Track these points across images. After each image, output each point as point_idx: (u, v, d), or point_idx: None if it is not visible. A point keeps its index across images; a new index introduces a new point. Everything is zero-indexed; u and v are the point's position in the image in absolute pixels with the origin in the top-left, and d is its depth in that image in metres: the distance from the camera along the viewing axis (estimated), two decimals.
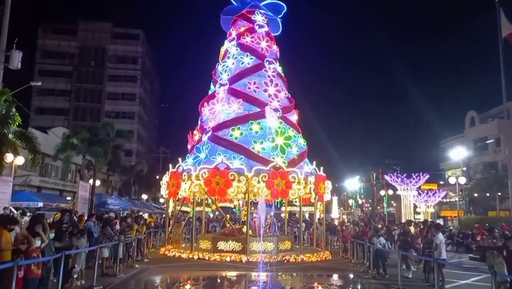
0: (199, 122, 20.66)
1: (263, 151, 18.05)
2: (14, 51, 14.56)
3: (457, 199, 38.18)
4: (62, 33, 63.88)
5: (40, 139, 19.94)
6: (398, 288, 11.01)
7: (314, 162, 19.52)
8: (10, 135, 16.81)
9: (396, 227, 19.06)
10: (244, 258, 16.13)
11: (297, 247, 18.89)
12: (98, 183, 30.09)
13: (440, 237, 12.02)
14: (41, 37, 63.13)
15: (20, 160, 18.33)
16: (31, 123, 41.14)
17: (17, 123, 16.79)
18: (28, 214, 18.29)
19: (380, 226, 18.38)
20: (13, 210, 18.03)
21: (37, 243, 7.50)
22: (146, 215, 28.36)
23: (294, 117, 20.57)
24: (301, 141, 19.88)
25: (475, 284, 12.51)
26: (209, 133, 19.05)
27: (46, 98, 60.93)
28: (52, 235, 8.65)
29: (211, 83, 21.54)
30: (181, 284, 11.35)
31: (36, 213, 17.99)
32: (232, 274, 13.99)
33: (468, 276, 13.49)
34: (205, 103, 20.32)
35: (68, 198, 33.44)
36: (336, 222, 31.42)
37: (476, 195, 41.82)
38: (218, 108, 19.50)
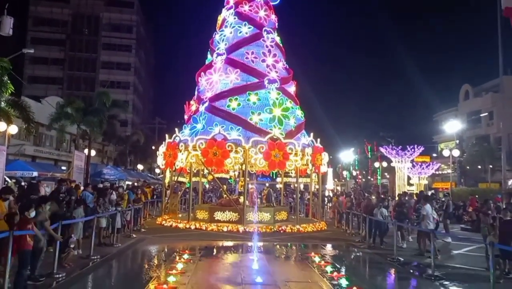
0: (196, 92, 20.39)
1: (261, 122, 17.94)
2: (5, 17, 14.14)
3: (449, 171, 38.60)
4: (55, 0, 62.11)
5: (34, 108, 19.69)
6: (393, 257, 11.20)
7: (312, 134, 19.49)
8: (3, 104, 16.56)
9: (390, 198, 19.31)
10: (241, 228, 16.29)
11: (293, 217, 19.10)
12: (93, 152, 29.95)
13: (428, 208, 12.15)
14: (33, 4, 61.36)
15: (13, 129, 18.12)
16: (24, 92, 40.49)
17: (9, 92, 16.51)
18: (22, 183, 18.26)
19: (373, 197, 18.58)
20: (7, 179, 18.00)
21: (32, 214, 7.44)
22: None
23: (292, 88, 20.35)
24: (299, 112, 19.75)
25: (467, 254, 12.77)
26: (206, 104, 18.84)
27: (39, 67, 59.83)
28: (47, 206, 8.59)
29: (208, 52, 21.12)
30: (178, 253, 11.45)
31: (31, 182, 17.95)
32: (229, 243, 14.16)
33: (460, 246, 13.78)
34: (202, 73, 20.00)
35: (63, 168, 33.34)
36: (328, 193, 31.71)
37: (468, 167, 42.36)
38: (215, 78, 19.22)
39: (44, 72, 60.16)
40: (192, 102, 20.21)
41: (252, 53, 19.23)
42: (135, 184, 28.18)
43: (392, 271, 10.52)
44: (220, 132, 17.16)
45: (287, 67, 20.64)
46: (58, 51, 61.83)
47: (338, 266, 10.32)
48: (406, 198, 16.36)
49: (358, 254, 13.13)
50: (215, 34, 20.99)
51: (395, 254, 11.32)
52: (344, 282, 8.37)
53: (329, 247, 14.08)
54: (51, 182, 21.62)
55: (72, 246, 9.11)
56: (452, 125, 38.88)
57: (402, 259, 11.15)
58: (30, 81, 55.98)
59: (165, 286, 7.76)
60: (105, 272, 9.93)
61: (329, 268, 9.67)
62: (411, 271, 10.23)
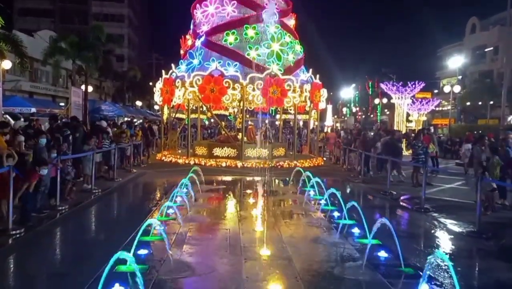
0: (191, 26, 19.74)
1: (259, 58, 17.56)
2: None
3: (449, 107, 38.54)
4: None
5: (26, 42, 19.14)
6: (386, 191, 11.54)
7: (310, 70, 19.16)
8: None
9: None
10: (239, 164, 16.61)
11: (291, 153, 19.37)
12: (90, 89, 29.60)
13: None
14: None
15: (7, 64, 17.79)
16: (16, 26, 39.18)
17: None
18: (21, 119, 18.28)
19: (372, 134, 18.74)
20: (7, 117, 17.99)
21: (43, 171, 7.58)
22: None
23: (291, 22, 19.66)
24: (298, 48, 19.25)
25: (459, 188, 13.15)
26: (202, 38, 18.32)
27: None
28: (43, 141, 8.67)
29: None
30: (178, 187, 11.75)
31: (30, 119, 17.98)
32: (227, 178, 14.51)
33: (453, 181, 14.14)
34: (198, 5, 19.19)
35: (62, 104, 33.21)
36: (326, 129, 31.85)
37: (468, 103, 42.20)
38: (211, 10, 18.49)
39: (35, 4, 57.63)
40: (188, 36, 19.64)
41: None
42: (134, 120, 28.34)
43: (384, 204, 10.89)
44: (217, 68, 16.86)
45: None
46: None
47: (332, 199, 10.64)
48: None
49: (352, 188, 13.50)
50: None
51: (388, 188, 11.64)
52: (336, 213, 8.69)
53: (325, 181, 14.40)
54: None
55: (68, 177, 9.26)
56: (456, 61, 38.15)
57: (394, 193, 11.49)
58: (21, 14, 53.86)
59: (164, 218, 8.05)
60: (107, 205, 10.28)
61: (323, 201, 9.98)
62: (403, 204, 10.57)
